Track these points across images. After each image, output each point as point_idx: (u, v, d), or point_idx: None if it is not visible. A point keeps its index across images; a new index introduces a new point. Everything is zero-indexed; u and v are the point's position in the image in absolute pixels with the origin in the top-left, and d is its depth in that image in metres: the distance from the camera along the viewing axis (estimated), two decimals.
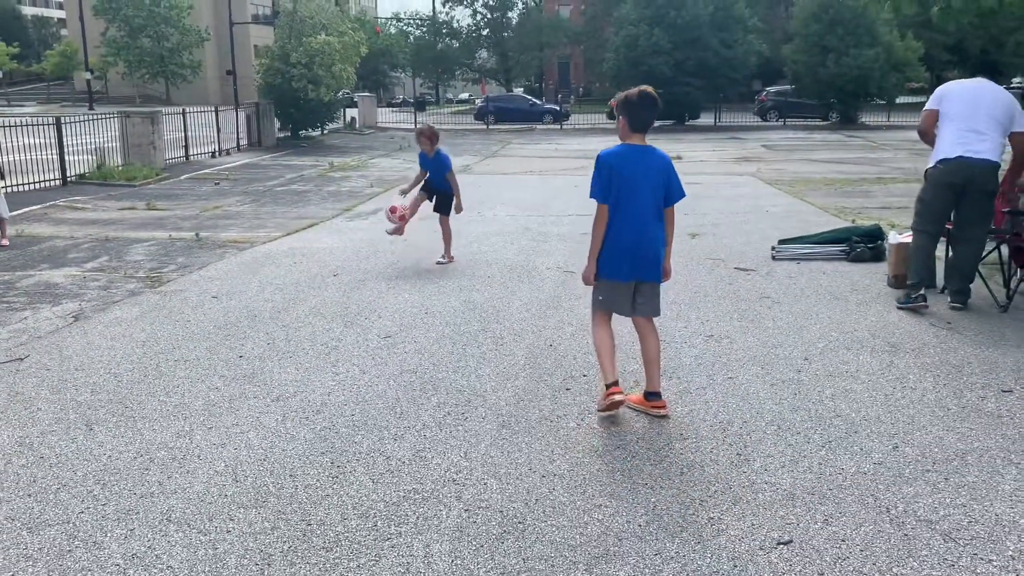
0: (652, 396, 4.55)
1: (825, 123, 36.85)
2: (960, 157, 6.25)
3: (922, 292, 6.45)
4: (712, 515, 3.49)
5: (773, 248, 8.78)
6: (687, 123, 37.90)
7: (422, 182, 8.81)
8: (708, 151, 23.98)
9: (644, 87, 4.45)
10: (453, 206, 8.69)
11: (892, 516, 3.46)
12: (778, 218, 11.31)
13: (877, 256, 8.25)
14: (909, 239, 6.90)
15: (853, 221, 10.53)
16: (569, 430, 4.37)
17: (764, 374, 5.17)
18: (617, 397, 4.39)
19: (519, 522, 3.45)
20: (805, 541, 3.28)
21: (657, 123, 30.68)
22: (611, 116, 40.45)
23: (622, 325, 4.89)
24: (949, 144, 6.32)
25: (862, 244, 8.40)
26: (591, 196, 4.45)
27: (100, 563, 3.19)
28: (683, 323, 6.28)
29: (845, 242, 8.56)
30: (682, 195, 4.51)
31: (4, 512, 3.57)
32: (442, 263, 8.50)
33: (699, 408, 4.64)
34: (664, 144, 27.06)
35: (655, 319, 4.63)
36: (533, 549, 3.25)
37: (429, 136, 8.54)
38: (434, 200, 8.72)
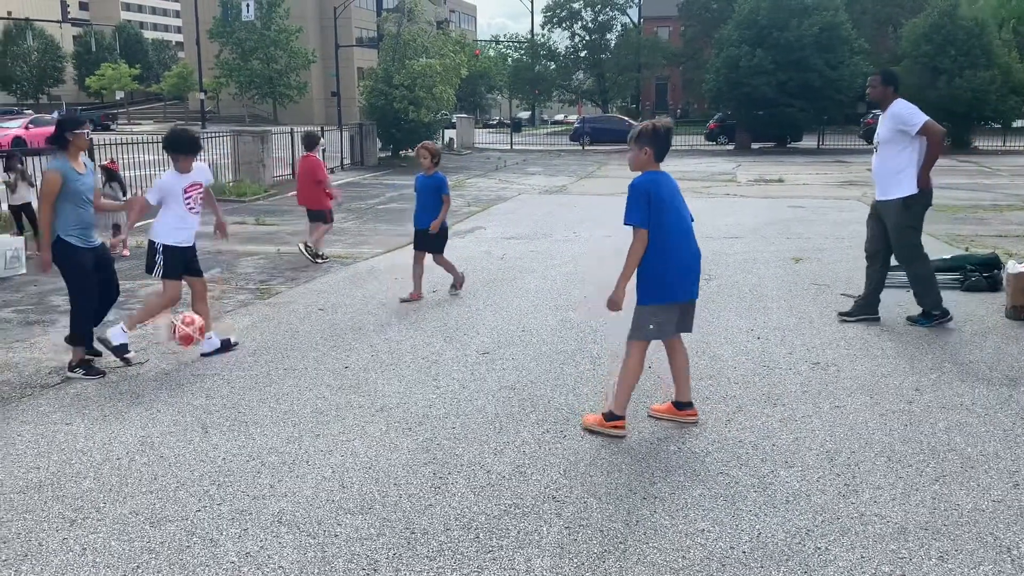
0: (685, 406, 4.77)
1: None
2: None
3: None
4: (819, 545, 3.40)
5: None
6: (789, 145, 37.08)
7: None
8: (811, 174, 23.40)
9: (665, 120, 4.79)
10: (431, 228, 7.87)
11: (1013, 557, 3.30)
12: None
13: (994, 286, 7.89)
14: None
15: (967, 249, 10.09)
16: (670, 453, 4.33)
17: (873, 404, 5.01)
18: (623, 433, 4.59)
19: (620, 542, 3.44)
20: None
21: (757, 145, 29.83)
22: (709, 138, 40.08)
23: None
24: None
25: (977, 273, 8.05)
26: (628, 223, 4.48)
27: (217, 559, 3.33)
28: (787, 349, 6.15)
29: (959, 271, 8.22)
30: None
31: (129, 507, 3.78)
32: (455, 293, 8.07)
33: (805, 436, 4.53)
34: (766, 167, 26.62)
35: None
36: (635, 570, 3.24)
37: (434, 152, 7.97)
38: (426, 244, 7.99)
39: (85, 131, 5.84)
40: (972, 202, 16.24)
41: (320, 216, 10.21)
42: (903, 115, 6.51)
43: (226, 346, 6.25)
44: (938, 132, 6.52)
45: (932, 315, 6.73)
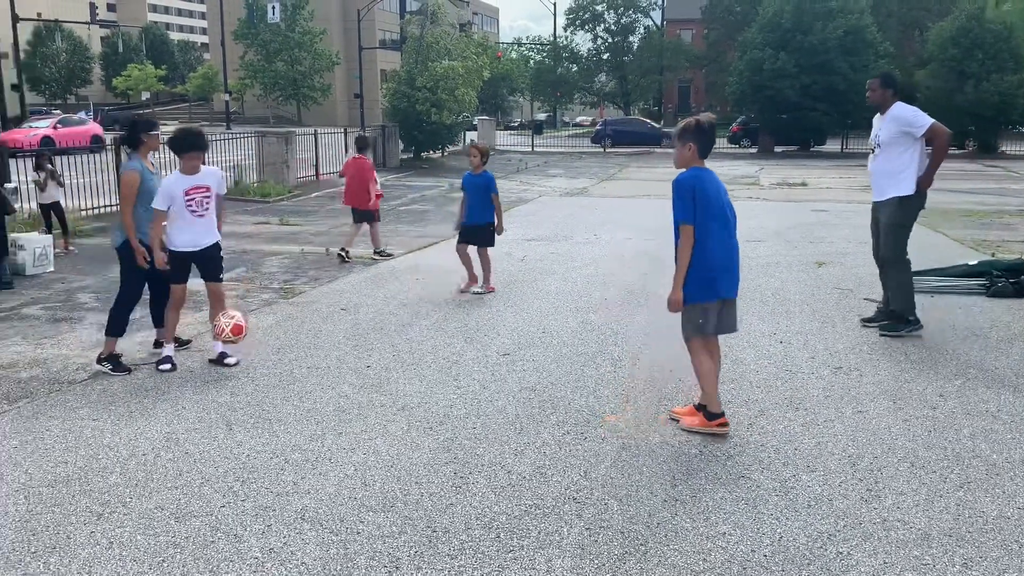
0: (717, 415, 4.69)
1: (961, 151, 35.04)
2: None
3: None
4: (841, 550, 3.38)
5: None
6: (812, 149, 36.81)
7: (459, 228, 8.51)
8: (835, 178, 23.23)
9: (710, 115, 4.70)
10: (495, 232, 8.40)
11: None
12: (910, 249, 10.81)
13: (1020, 292, 7.82)
14: None
15: (993, 255, 10.00)
16: (691, 456, 4.33)
17: (896, 409, 4.97)
18: (727, 430, 4.62)
19: (641, 544, 3.45)
20: None
21: (780, 148, 29.52)
22: (732, 140, 39.86)
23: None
24: None
25: (1003, 279, 7.98)
26: (681, 219, 4.45)
27: (240, 555, 3.37)
28: (809, 354, 6.12)
29: (984, 276, 8.15)
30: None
31: (155, 502, 3.83)
32: (479, 292, 8.19)
33: (827, 441, 4.51)
34: (789, 170, 26.45)
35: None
36: (655, 573, 3.24)
37: (484, 151, 8.35)
38: (474, 237, 8.37)
39: (158, 133, 6.11)
40: (999, 207, 16.07)
41: (367, 216, 10.45)
42: (907, 117, 6.49)
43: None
44: (944, 134, 6.48)
45: (907, 321, 6.63)
